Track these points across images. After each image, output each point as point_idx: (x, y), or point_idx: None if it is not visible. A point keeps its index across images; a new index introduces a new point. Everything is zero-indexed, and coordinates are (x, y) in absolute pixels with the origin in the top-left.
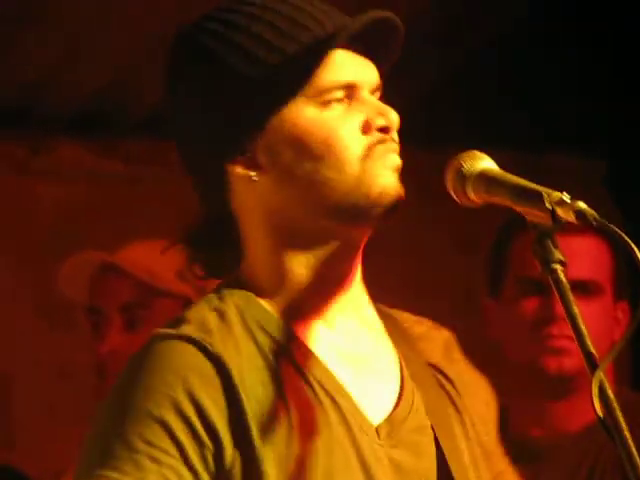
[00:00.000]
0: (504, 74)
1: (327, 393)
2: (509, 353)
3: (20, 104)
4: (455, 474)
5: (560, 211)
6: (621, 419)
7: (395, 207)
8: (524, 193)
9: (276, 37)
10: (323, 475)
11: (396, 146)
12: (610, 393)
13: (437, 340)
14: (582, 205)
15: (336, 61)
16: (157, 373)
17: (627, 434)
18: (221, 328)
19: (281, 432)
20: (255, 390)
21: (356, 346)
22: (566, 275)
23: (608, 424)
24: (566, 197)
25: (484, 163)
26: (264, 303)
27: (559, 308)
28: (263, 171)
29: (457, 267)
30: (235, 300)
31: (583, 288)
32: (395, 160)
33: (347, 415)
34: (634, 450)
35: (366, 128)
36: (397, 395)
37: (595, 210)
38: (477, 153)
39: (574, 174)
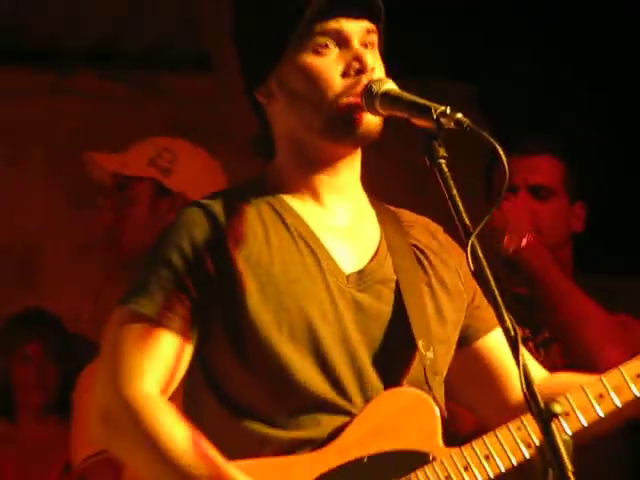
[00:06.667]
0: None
1: (307, 244)
2: None
3: (50, 40)
4: (410, 316)
5: (443, 120)
6: (489, 274)
7: (362, 138)
8: (418, 107)
9: (282, 4)
10: (294, 296)
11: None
12: (481, 255)
13: (424, 228)
14: (459, 115)
15: (328, 20)
16: (174, 228)
17: (494, 285)
18: (230, 199)
19: (263, 266)
20: (240, 238)
21: (340, 220)
22: (448, 168)
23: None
24: (448, 110)
25: (389, 85)
26: (276, 189)
27: None
28: (275, 99)
29: None
30: (254, 185)
31: (538, 191)
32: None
33: (321, 260)
34: (499, 299)
35: (347, 69)
36: (370, 256)
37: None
38: (384, 78)
39: (452, 97)
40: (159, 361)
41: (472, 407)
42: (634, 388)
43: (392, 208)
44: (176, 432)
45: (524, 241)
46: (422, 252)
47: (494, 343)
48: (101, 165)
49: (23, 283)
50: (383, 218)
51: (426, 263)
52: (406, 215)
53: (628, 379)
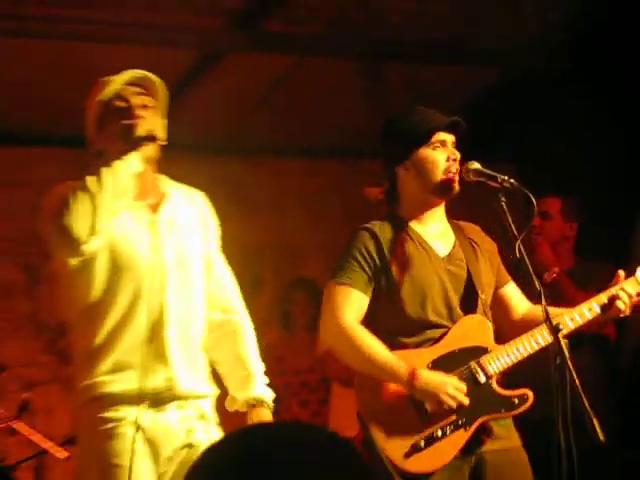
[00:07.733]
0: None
1: (421, 244)
2: None
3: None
4: (473, 276)
5: (504, 183)
6: (527, 261)
7: (453, 193)
8: (490, 176)
9: (416, 124)
10: (417, 271)
11: (458, 165)
12: (523, 251)
13: (474, 230)
14: (512, 180)
15: (439, 133)
16: (356, 238)
17: (530, 266)
18: (380, 224)
19: (399, 257)
20: (389, 244)
21: (435, 231)
22: (508, 207)
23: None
24: (506, 177)
25: (476, 165)
26: (403, 218)
27: None
28: (408, 171)
29: None
30: (392, 217)
31: (543, 214)
32: (455, 169)
33: (429, 252)
34: (532, 271)
35: (448, 159)
36: (451, 247)
37: None
38: (473, 162)
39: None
40: (354, 306)
41: (498, 322)
42: (597, 308)
43: (458, 222)
44: (371, 341)
45: (549, 275)
46: (475, 242)
47: (508, 289)
48: (365, 195)
49: (294, 264)
50: (454, 227)
51: (477, 248)
52: (463, 224)
53: (594, 305)
